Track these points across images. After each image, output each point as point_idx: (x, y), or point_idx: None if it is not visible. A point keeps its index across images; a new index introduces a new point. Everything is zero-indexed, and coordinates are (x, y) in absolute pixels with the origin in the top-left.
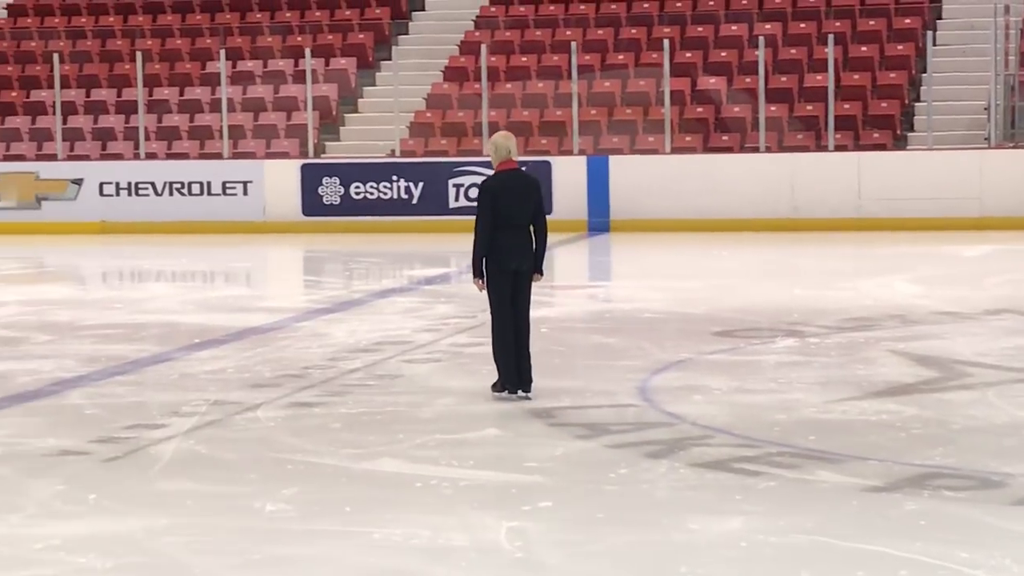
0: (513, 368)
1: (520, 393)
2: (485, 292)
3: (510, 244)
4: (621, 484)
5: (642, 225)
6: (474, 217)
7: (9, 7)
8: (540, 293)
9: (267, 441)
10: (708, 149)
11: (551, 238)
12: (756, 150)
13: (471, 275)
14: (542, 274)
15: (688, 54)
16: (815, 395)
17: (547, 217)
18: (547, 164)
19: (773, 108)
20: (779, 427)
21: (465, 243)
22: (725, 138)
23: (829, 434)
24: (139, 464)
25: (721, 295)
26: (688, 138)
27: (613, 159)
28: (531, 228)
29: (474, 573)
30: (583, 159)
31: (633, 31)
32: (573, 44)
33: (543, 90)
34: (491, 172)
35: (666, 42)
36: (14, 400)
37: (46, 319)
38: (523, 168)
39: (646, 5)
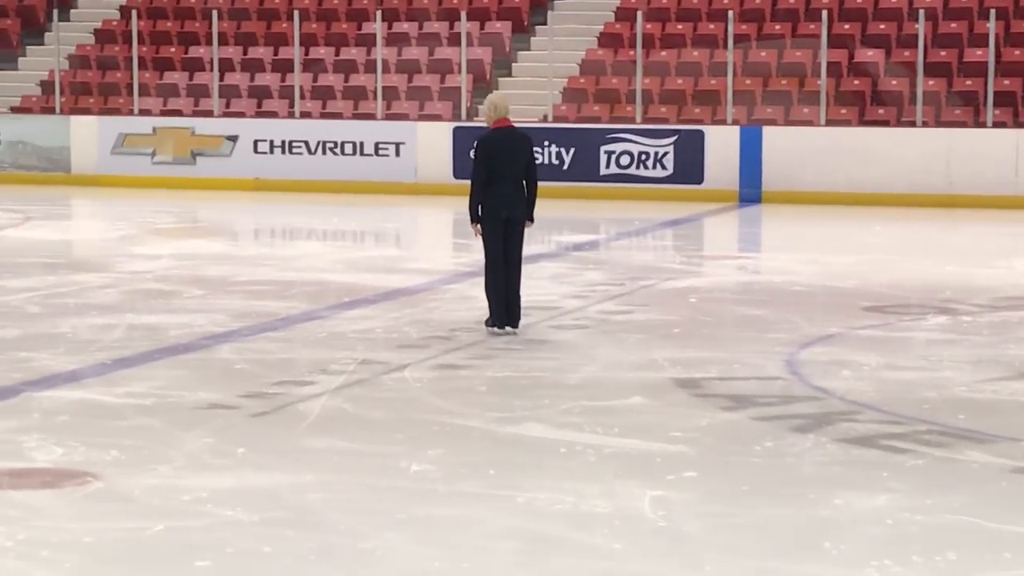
0: (503, 306)
1: (508, 329)
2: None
3: (503, 194)
4: (766, 457)
5: (794, 197)
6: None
7: None
8: (689, 263)
9: (413, 402)
10: (864, 122)
11: (702, 207)
12: (913, 124)
13: (533, 218)
14: (532, 221)
15: (846, 26)
16: (966, 374)
17: (696, 186)
18: (700, 133)
19: (931, 82)
20: (928, 405)
21: (616, 210)
22: (881, 111)
23: (979, 414)
24: (287, 420)
25: (872, 270)
26: (844, 111)
27: (767, 130)
28: (523, 181)
29: (617, 540)
30: (736, 129)
31: (791, 1)
32: (730, 13)
33: (698, 58)
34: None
35: (824, 13)
36: (166, 352)
37: (198, 274)
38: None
39: None
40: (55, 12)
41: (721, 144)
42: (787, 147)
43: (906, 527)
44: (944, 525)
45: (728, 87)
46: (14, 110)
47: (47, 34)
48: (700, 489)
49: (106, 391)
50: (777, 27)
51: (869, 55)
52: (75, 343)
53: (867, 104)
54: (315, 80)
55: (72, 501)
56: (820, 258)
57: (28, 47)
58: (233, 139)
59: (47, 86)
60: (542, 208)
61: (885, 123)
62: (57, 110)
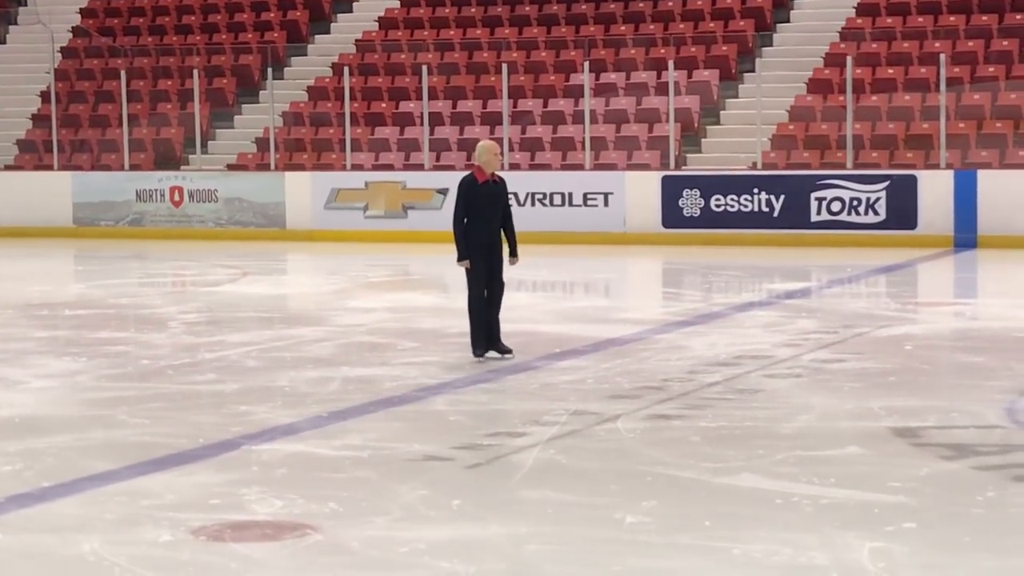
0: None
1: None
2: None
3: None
4: (988, 508)
5: (1011, 241)
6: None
7: (380, 19)
8: (903, 309)
9: (626, 452)
10: None
11: (916, 253)
12: None
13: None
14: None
15: None
16: None
17: (910, 231)
18: (913, 178)
19: None
20: None
21: (828, 257)
22: None
23: None
24: (501, 471)
25: None
26: None
27: (982, 173)
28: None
29: None
30: (950, 173)
31: (1005, 43)
32: (942, 56)
33: (910, 103)
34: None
35: None
36: (380, 405)
37: (411, 326)
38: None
39: (1019, 16)
40: (269, 71)
41: (935, 189)
42: (1003, 191)
43: None
44: None
45: (941, 131)
46: (231, 168)
47: (261, 92)
48: (920, 541)
49: (323, 444)
50: (991, 69)
51: None
52: (292, 396)
53: None
54: (523, 132)
55: (292, 553)
56: None
57: (243, 105)
58: (443, 192)
59: (262, 143)
60: (751, 256)
61: None
62: (272, 167)
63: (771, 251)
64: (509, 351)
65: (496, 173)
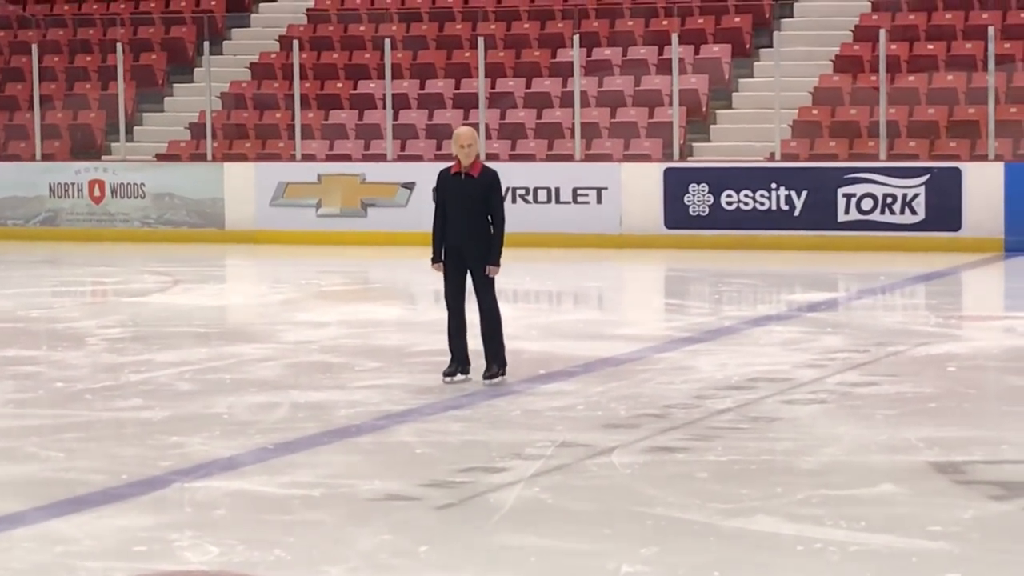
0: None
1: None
2: (493, 279)
3: None
4: None
5: None
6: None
7: None
8: (946, 325)
9: (623, 491)
10: None
11: (961, 258)
12: None
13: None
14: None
15: None
16: None
17: (953, 233)
18: (956, 171)
19: None
20: None
21: (858, 264)
22: None
23: None
24: (476, 513)
25: None
26: None
27: None
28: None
29: None
30: (1000, 166)
31: None
32: (990, 30)
33: (953, 83)
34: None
35: None
36: (335, 435)
37: (372, 343)
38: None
39: None
40: (206, 45)
41: (982, 184)
42: None
43: None
44: None
45: (989, 116)
46: (160, 157)
47: (197, 70)
48: None
49: (268, 481)
50: None
51: None
52: (232, 425)
53: None
54: (503, 117)
55: None
56: None
57: (175, 85)
58: (409, 187)
59: (197, 129)
60: (768, 261)
61: None
62: (208, 156)
63: (791, 256)
64: (495, 375)
65: (483, 164)
